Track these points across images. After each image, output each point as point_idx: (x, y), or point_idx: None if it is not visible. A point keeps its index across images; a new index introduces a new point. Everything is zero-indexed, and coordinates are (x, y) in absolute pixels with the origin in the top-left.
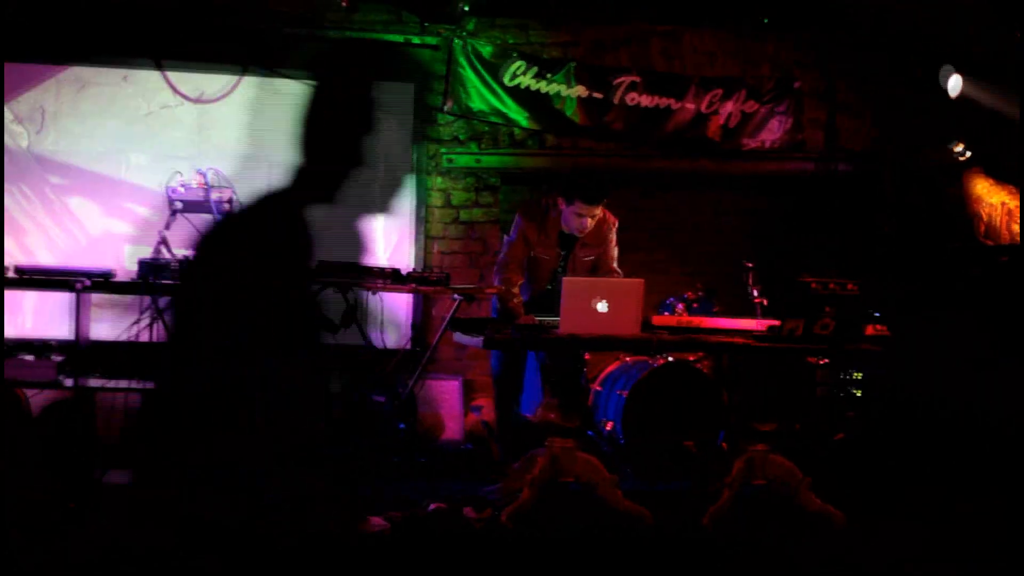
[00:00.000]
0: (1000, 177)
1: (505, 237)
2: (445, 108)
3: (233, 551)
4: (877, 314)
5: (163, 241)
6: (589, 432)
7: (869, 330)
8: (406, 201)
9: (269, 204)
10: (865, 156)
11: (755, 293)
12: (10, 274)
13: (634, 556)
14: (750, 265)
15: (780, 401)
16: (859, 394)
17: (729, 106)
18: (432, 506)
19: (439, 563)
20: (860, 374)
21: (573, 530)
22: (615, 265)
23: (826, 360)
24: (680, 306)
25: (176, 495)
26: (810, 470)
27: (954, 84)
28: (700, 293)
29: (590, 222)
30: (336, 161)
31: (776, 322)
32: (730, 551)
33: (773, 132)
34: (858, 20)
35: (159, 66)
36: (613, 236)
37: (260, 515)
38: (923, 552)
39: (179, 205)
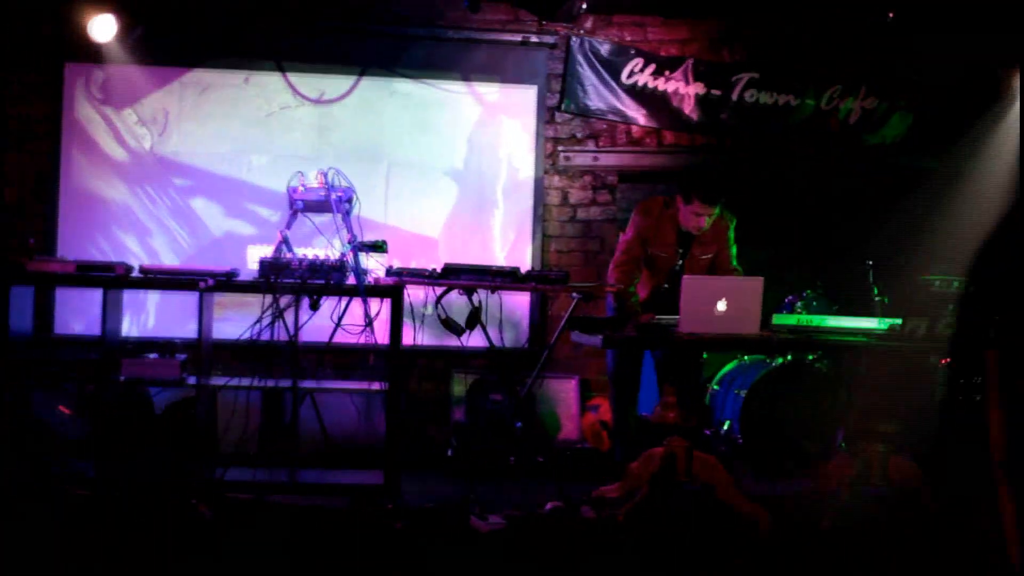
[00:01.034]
0: None
1: (622, 235)
2: (563, 107)
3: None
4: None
5: (284, 241)
6: (707, 432)
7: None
8: (525, 200)
9: None
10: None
11: (876, 291)
12: (135, 274)
13: (751, 557)
14: (870, 263)
15: (901, 402)
16: (979, 399)
17: (849, 102)
18: (549, 505)
19: (556, 561)
20: (981, 378)
21: (690, 530)
22: (734, 264)
23: (947, 360)
24: (800, 305)
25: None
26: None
27: None
28: (820, 291)
29: (707, 221)
30: None
31: (897, 321)
32: (849, 555)
33: (894, 128)
34: None
35: (280, 68)
36: (730, 235)
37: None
38: None
39: (300, 205)
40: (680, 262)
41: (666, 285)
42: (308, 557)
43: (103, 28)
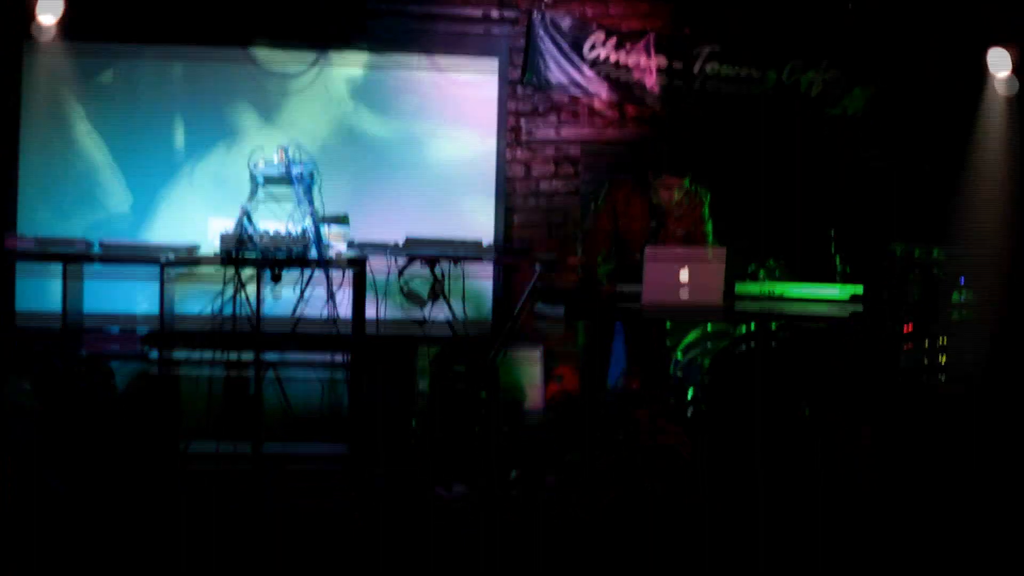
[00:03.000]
0: None
1: (592, 206)
2: (525, 80)
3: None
4: (963, 280)
5: (246, 215)
6: (671, 400)
7: (955, 297)
8: (487, 174)
9: None
10: None
11: (838, 260)
12: (95, 250)
13: (716, 520)
14: (833, 232)
15: (865, 369)
16: (944, 361)
17: (810, 75)
18: (515, 473)
19: (519, 528)
20: (945, 341)
21: (657, 496)
22: (710, 239)
23: (911, 327)
24: (763, 273)
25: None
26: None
27: None
28: (783, 260)
29: (678, 193)
30: None
31: (860, 289)
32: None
33: (855, 100)
34: None
35: (242, 43)
36: (705, 210)
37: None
38: None
39: (261, 179)
40: (652, 236)
41: (637, 257)
42: (272, 528)
43: (54, 5)
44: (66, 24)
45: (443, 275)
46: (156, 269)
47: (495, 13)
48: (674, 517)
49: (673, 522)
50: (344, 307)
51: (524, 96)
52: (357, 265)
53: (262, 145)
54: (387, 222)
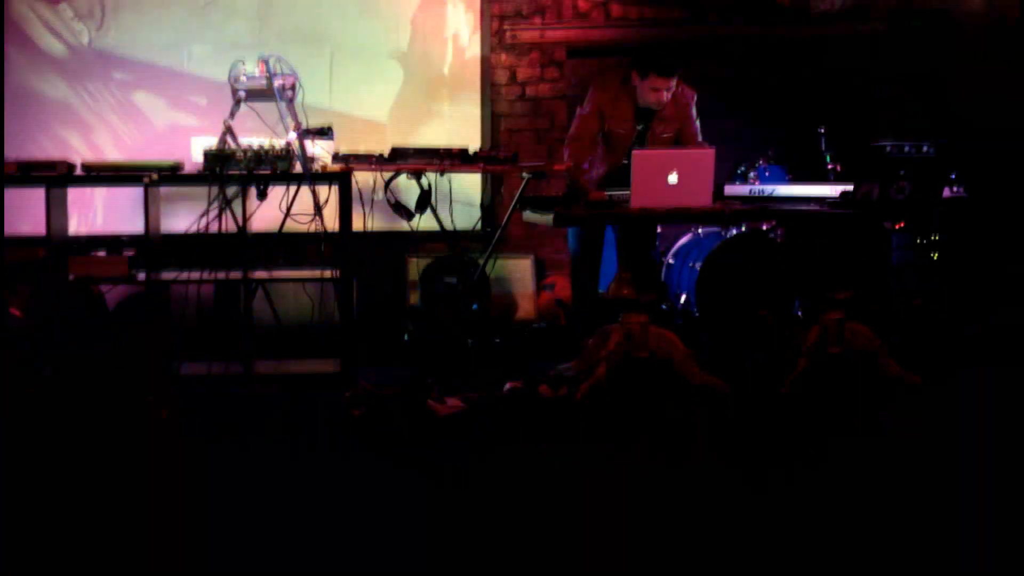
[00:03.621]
0: None
1: (578, 109)
2: None
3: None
4: (954, 175)
5: (228, 131)
6: (663, 306)
7: (947, 193)
8: (472, 80)
9: None
10: (938, 14)
11: (828, 158)
12: (77, 171)
13: (712, 426)
14: (822, 130)
15: (856, 268)
16: (936, 258)
17: None
18: (508, 385)
19: (514, 441)
20: (937, 237)
21: (649, 403)
22: (700, 139)
23: (902, 224)
24: (752, 174)
25: None
26: (888, 336)
27: None
28: (772, 160)
29: (666, 95)
30: None
31: (850, 187)
32: (808, 414)
33: None
34: None
35: None
36: (693, 111)
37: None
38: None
39: (243, 94)
40: (639, 138)
41: (625, 161)
42: (267, 447)
43: None
44: None
45: (430, 186)
46: (141, 190)
47: None
48: (674, 427)
49: (669, 432)
50: (331, 221)
51: None
52: (343, 178)
53: (244, 58)
54: (372, 132)
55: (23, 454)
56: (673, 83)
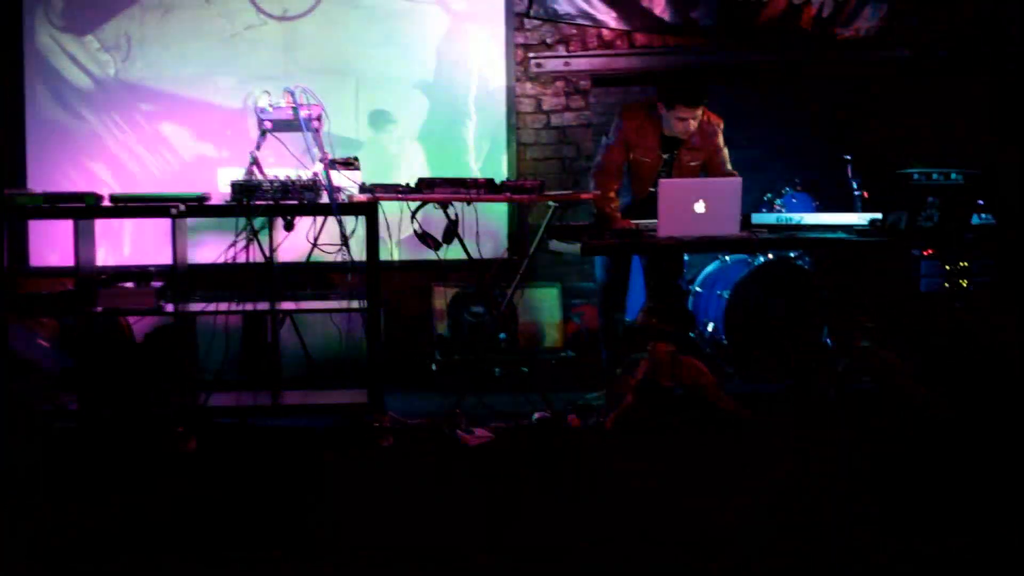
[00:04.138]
0: None
1: (604, 139)
2: (531, 12)
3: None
4: (982, 202)
5: (255, 162)
6: (691, 335)
7: (975, 219)
8: (497, 110)
9: None
10: (965, 40)
11: (855, 186)
12: (105, 203)
13: (739, 455)
14: (848, 158)
15: (884, 296)
16: (965, 284)
17: None
18: (536, 415)
19: (544, 470)
20: (967, 264)
21: (678, 433)
22: (728, 167)
23: (930, 252)
24: (779, 203)
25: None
26: (917, 363)
27: None
28: (799, 189)
29: (693, 124)
30: None
31: (878, 215)
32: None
33: (867, 19)
34: None
35: None
36: (720, 139)
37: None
38: None
39: (268, 125)
40: (666, 168)
41: (652, 189)
42: (296, 478)
43: None
44: None
45: (456, 215)
46: (168, 222)
47: None
48: (702, 455)
49: (703, 460)
50: (358, 251)
51: (532, 28)
52: (370, 209)
53: (269, 90)
54: (398, 162)
55: (53, 487)
56: (700, 112)
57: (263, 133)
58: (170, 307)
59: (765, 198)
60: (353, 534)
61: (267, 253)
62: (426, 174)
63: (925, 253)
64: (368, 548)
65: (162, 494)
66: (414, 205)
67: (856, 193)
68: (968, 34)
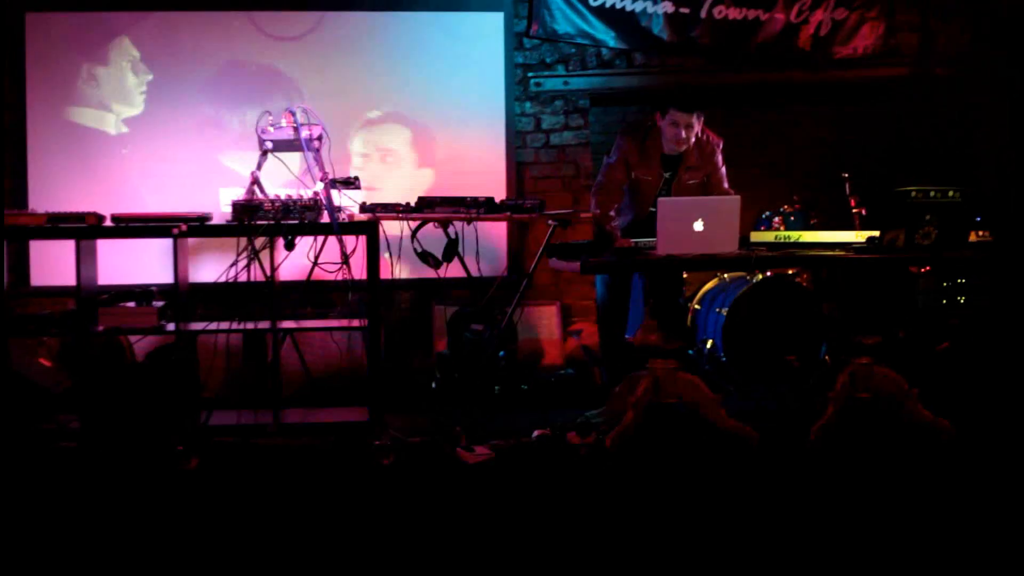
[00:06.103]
0: None
1: (605, 158)
2: (531, 32)
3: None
4: (979, 219)
5: (256, 182)
6: (690, 352)
7: (972, 236)
8: (497, 128)
9: None
10: (961, 59)
11: (853, 204)
12: (107, 222)
13: (740, 474)
14: (846, 176)
15: (882, 312)
16: (963, 301)
17: (819, 14)
18: (536, 433)
19: (544, 489)
20: (964, 280)
21: (678, 450)
22: (727, 186)
23: (928, 268)
24: (777, 220)
25: None
26: (916, 381)
27: None
28: (797, 207)
29: (686, 133)
30: None
31: (875, 233)
32: (837, 466)
33: (865, 39)
34: None
35: (243, 7)
36: (719, 158)
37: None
38: None
39: (269, 145)
40: (666, 187)
41: (652, 209)
42: (296, 497)
43: None
44: None
45: (456, 234)
46: (170, 241)
47: None
48: (703, 476)
49: (703, 480)
50: (358, 270)
51: (531, 48)
52: (370, 228)
53: (270, 110)
54: (398, 182)
55: (54, 506)
56: (693, 119)
57: (264, 153)
58: (171, 326)
59: (764, 216)
60: (354, 552)
61: (268, 272)
62: (427, 193)
63: (923, 270)
64: (369, 566)
65: (163, 513)
66: (414, 224)
67: (854, 211)
68: (967, 52)
